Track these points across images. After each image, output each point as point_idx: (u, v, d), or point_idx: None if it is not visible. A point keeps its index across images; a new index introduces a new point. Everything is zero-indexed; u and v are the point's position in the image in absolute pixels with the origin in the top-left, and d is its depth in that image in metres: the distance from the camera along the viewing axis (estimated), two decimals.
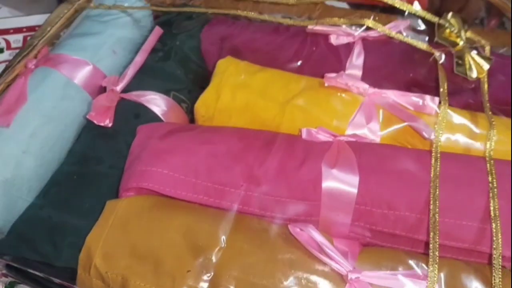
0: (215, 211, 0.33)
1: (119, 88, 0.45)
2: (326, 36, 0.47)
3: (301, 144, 0.35)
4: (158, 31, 0.51)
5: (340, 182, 0.33)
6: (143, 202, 0.33)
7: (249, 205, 0.33)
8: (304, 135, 0.37)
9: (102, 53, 0.49)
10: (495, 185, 0.32)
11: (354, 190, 0.32)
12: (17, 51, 0.62)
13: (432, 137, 0.36)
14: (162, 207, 0.33)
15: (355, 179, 0.33)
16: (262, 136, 0.36)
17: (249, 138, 0.36)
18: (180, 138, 0.36)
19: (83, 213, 0.35)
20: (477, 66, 0.43)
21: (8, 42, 0.63)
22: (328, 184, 0.33)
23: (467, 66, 0.43)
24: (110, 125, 0.42)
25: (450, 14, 0.46)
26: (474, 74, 0.43)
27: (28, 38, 0.63)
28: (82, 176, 0.38)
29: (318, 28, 0.47)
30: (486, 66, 0.43)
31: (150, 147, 0.35)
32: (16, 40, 0.63)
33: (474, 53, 0.44)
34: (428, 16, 0.46)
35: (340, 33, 0.46)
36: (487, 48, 0.45)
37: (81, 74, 0.47)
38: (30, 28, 0.63)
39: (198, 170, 0.34)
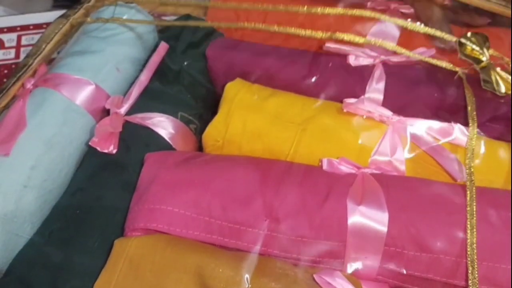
0: (234, 252, 0.30)
1: (123, 110, 0.42)
2: (343, 56, 0.44)
3: (323, 176, 0.33)
4: (163, 47, 0.48)
5: (368, 220, 0.30)
6: (155, 242, 0.30)
7: (268, 246, 0.30)
8: (325, 166, 0.34)
9: (105, 72, 0.46)
10: None
11: (384, 229, 0.30)
12: (10, 50, 0.60)
13: (464, 174, 0.33)
14: (176, 245, 0.30)
15: (384, 217, 0.30)
16: (280, 167, 0.34)
17: (266, 169, 0.33)
18: (191, 171, 0.33)
19: (88, 252, 0.33)
20: (504, 81, 0.41)
21: (1, 41, 0.61)
22: (354, 222, 0.30)
23: (494, 82, 0.41)
24: (114, 151, 0.39)
25: (470, 33, 0.44)
26: (502, 89, 0.40)
27: (23, 37, 0.61)
28: (86, 211, 0.35)
29: (336, 47, 0.44)
30: None
31: (159, 180, 0.32)
32: (10, 39, 0.61)
33: (499, 69, 0.42)
34: (447, 36, 0.44)
35: (360, 54, 0.43)
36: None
37: (83, 95, 0.44)
38: (25, 27, 0.62)
39: (211, 208, 0.31)
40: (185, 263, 0.28)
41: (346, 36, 0.44)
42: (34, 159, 0.37)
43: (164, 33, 0.52)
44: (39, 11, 0.61)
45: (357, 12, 0.45)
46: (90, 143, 0.39)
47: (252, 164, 0.34)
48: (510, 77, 0.40)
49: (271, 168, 0.33)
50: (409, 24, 0.45)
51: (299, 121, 0.38)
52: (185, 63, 0.46)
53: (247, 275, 0.28)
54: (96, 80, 0.45)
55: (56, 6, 0.66)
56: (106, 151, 0.38)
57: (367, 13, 0.45)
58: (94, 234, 0.33)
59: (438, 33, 0.45)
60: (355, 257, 0.30)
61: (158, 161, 0.35)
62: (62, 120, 0.41)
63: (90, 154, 0.40)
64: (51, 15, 0.54)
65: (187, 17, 0.52)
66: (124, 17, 0.52)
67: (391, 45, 0.44)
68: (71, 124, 0.41)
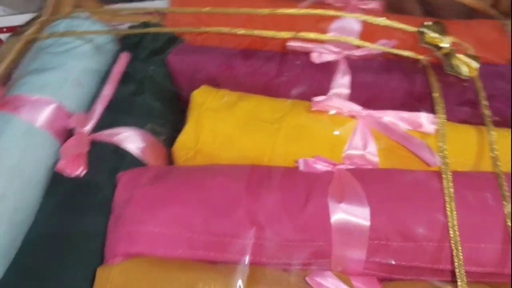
0: (223, 266, 0.29)
1: (88, 128, 0.41)
2: (307, 54, 0.44)
3: (301, 178, 0.33)
4: (124, 57, 0.47)
5: (351, 216, 0.30)
6: (139, 266, 0.29)
7: (256, 254, 0.30)
8: (301, 167, 0.34)
9: (66, 89, 0.44)
10: (509, 199, 0.31)
11: (367, 223, 0.30)
12: None
13: (437, 160, 0.34)
14: (161, 267, 0.29)
15: (366, 211, 0.30)
16: (258, 173, 0.33)
17: (244, 176, 0.33)
18: (167, 187, 0.32)
19: (69, 284, 0.31)
20: (466, 65, 0.42)
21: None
22: (337, 220, 0.30)
23: (456, 67, 0.42)
24: (83, 173, 0.37)
25: (430, 22, 0.45)
26: (465, 73, 0.41)
27: None
28: (61, 239, 0.33)
29: (299, 45, 0.44)
30: (475, 64, 0.42)
31: (135, 200, 0.31)
32: None
33: (459, 54, 0.43)
34: (407, 27, 0.45)
35: (323, 51, 0.43)
36: (471, 50, 0.44)
37: (45, 116, 0.42)
38: None
39: (193, 222, 0.30)
40: (174, 284, 0.28)
41: (311, 35, 0.45)
42: (2, 190, 0.35)
43: (123, 42, 0.51)
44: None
45: (319, 11, 0.45)
46: (57, 167, 0.37)
47: (229, 172, 0.34)
48: (471, 61, 0.41)
49: (249, 174, 0.33)
50: (370, 18, 0.46)
51: (271, 121, 0.38)
52: (150, 69, 0.45)
53: (240, 286, 0.27)
54: (57, 98, 0.43)
55: None
56: (75, 174, 0.37)
57: (329, 12, 0.46)
58: (74, 264, 0.32)
59: (399, 25, 0.46)
60: (341, 255, 0.30)
61: (132, 180, 0.33)
62: (24, 145, 0.39)
63: (58, 178, 0.38)
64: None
65: (145, 24, 0.51)
66: (80, 30, 0.50)
67: (354, 40, 0.44)
68: (35, 149, 0.39)
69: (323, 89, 0.41)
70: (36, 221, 0.36)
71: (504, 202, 0.30)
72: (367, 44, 0.44)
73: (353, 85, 0.41)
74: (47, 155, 0.40)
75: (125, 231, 0.30)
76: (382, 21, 0.45)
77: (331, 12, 0.46)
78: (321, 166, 0.34)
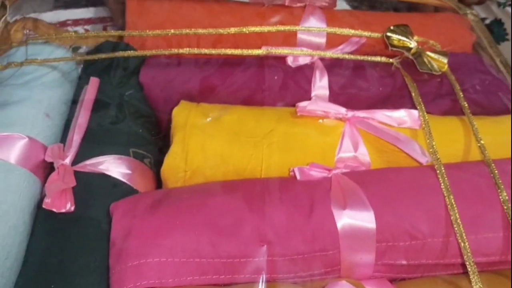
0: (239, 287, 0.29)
1: (68, 160, 0.39)
2: (283, 59, 0.44)
3: (301, 187, 0.33)
4: (95, 82, 0.45)
5: (356, 221, 0.30)
6: None
7: (268, 271, 0.29)
8: (297, 176, 0.34)
9: (35, 122, 0.42)
10: (502, 187, 0.32)
11: (373, 226, 0.30)
12: None
13: (428, 158, 0.35)
14: None
15: (370, 215, 0.30)
16: (256, 187, 0.33)
17: (244, 193, 0.32)
18: (167, 213, 0.31)
19: None
20: (437, 61, 0.43)
21: None
22: (343, 227, 0.30)
23: (428, 64, 0.43)
24: (72, 208, 0.36)
25: (392, 26, 0.46)
26: (437, 69, 0.43)
27: None
28: (58, 277, 0.32)
29: (272, 50, 0.44)
30: (444, 59, 0.43)
31: (136, 231, 0.30)
32: None
33: (428, 52, 0.44)
34: (373, 34, 0.46)
35: (296, 54, 0.43)
36: (438, 46, 0.46)
37: (17, 153, 0.39)
38: None
39: (200, 247, 0.30)
40: None
41: (285, 51, 0.45)
42: None
43: (90, 65, 0.49)
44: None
45: (286, 28, 0.45)
46: (43, 206, 0.35)
47: (227, 189, 0.33)
48: (440, 57, 0.43)
49: (248, 190, 0.33)
50: (335, 29, 0.46)
51: (261, 135, 0.37)
52: (126, 94, 0.43)
53: None
54: (27, 132, 0.41)
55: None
56: (63, 210, 0.35)
57: (295, 28, 0.47)
58: None
59: (364, 33, 0.47)
60: (350, 261, 0.30)
61: (127, 210, 0.32)
62: (4, 186, 0.36)
63: (45, 216, 0.36)
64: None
65: (113, 45, 0.49)
66: (40, 57, 0.48)
67: (327, 53, 0.45)
68: (15, 190, 0.37)
69: (306, 93, 0.41)
70: (28, 262, 0.34)
71: (498, 190, 0.31)
72: (342, 56, 0.45)
73: (332, 86, 0.42)
74: (30, 193, 0.38)
75: (130, 266, 0.29)
76: (347, 31, 0.46)
77: (297, 28, 0.46)
78: (316, 173, 0.34)
